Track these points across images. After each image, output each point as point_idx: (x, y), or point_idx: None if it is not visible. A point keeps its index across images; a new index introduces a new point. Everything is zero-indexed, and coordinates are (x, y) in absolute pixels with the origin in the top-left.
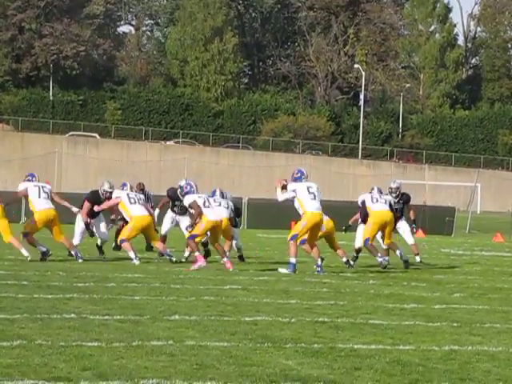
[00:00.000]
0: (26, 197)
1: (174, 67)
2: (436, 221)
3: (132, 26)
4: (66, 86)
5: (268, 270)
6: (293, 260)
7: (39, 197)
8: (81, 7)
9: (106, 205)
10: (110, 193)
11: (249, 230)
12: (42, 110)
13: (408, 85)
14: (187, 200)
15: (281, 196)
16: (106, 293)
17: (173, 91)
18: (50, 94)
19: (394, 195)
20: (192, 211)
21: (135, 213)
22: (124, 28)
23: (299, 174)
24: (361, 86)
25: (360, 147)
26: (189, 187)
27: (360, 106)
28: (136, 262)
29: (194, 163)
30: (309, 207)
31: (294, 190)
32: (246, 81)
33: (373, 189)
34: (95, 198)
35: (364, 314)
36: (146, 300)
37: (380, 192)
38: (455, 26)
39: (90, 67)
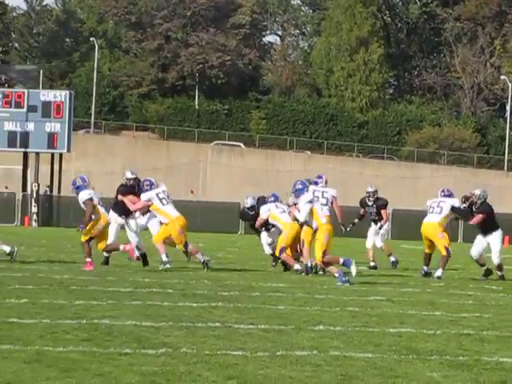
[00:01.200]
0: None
1: (320, 77)
2: None
3: (278, 35)
4: (211, 95)
5: (412, 282)
6: (337, 272)
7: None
8: (227, 17)
9: (136, 206)
10: (133, 179)
11: (393, 241)
12: (187, 118)
13: None
14: (82, 197)
15: (302, 215)
16: (251, 302)
17: (318, 101)
18: (196, 102)
19: (371, 198)
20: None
21: None
22: (270, 38)
23: (301, 186)
24: (507, 98)
25: (506, 159)
26: (81, 182)
27: (506, 118)
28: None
29: (338, 173)
30: (324, 220)
31: (310, 201)
32: (391, 91)
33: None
34: (126, 189)
35: (510, 327)
36: (290, 310)
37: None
38: None
39: (236, 77)
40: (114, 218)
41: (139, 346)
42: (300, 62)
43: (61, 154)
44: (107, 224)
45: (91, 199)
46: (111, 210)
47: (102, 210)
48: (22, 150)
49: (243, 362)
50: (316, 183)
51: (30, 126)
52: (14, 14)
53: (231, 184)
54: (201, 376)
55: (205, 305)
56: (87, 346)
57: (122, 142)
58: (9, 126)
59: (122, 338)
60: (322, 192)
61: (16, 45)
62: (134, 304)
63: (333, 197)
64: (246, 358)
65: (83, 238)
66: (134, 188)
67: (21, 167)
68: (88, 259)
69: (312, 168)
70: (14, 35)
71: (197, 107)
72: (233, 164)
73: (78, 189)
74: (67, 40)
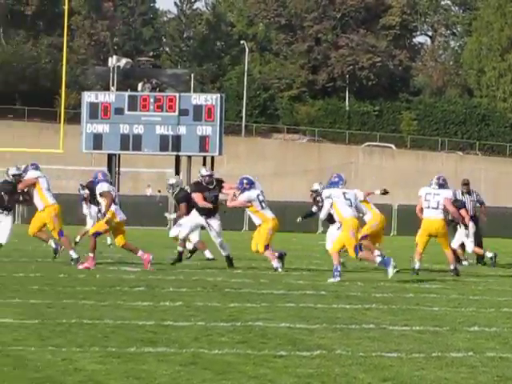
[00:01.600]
0: None
1: (471, 77)
2: None
3: (428, 36)
4: (361, 96)
5: None
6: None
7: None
8: (377, 18)
9: (234, 203)
10: (209, 176)
11: None
12: (338, 120)
13: None
14: (102, 188)
15: (323, 213)
16: (405, 303)
17: (469, 101)
18: (346, 104)
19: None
20: (102, 200)
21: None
22: (420, 38)
23: (337, 179)
24: None
25: None
26: (102, 176)
27: None
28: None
29: (491, 174)
30: (346, 214)
31: (329, 196)
32: None
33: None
34: (201, 187)
35: None
36: (444, 311)
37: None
38: None
39: (386, 78)
40: (194, 217)
41: (294, 348)
42: (451, 63)
43: (212, 158)
44: (119, 221)
45: (109, 192)
46: (194, 209)
47: (113, 207)
48: (174, 153)
49: (398, 364)
50: (430, 184)
51: (182, 130)
52: (165, 18)
53: (382, 185)
54: (356, 378)
55: (358, 306)
56: (242, 348)
57: (274, 145)
58: (161, 130)
59: (277, 340)
60: (434, 194)
61: (167, 49)
62: (288, 306)
63: (445, 199)
64: (401, 360)
65: (91, 231)
66: (210, 185)
67: (173, 171)
68: (90, 254)
69: (464, 169)
70: (164, 39)
71: (347, 109)
72: (384, 165)
73: (98, 183)
74: (218, 43)
